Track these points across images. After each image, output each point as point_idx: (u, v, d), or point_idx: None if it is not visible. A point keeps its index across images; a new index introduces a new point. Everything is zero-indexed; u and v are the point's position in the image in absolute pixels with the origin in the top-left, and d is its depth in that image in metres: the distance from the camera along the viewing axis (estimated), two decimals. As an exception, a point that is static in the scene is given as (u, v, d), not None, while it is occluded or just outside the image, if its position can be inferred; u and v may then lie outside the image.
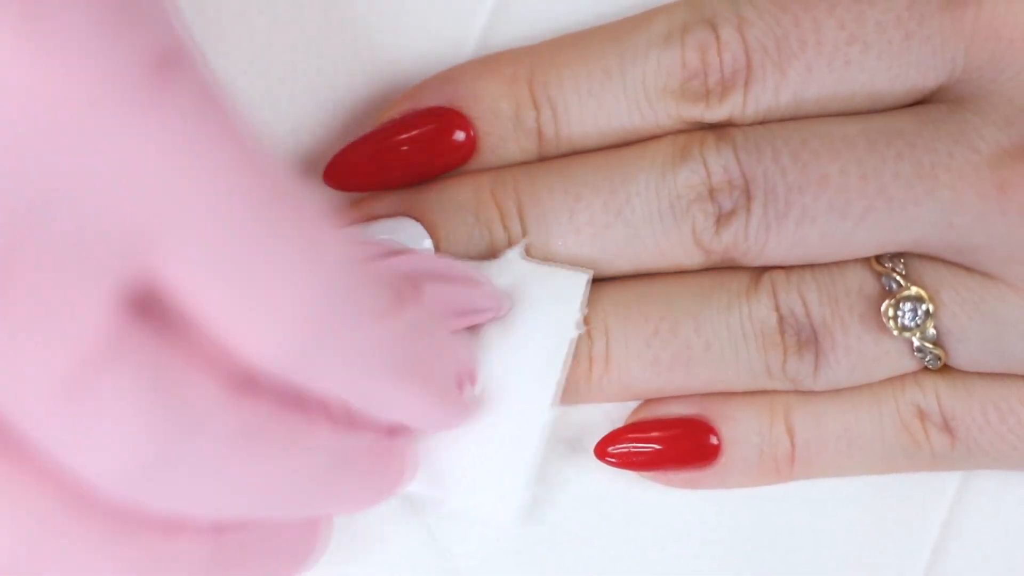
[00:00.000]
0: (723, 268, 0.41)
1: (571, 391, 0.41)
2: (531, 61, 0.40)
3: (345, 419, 0.34)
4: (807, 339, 0.40)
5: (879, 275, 0.40)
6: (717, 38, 0.39)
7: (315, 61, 0.41)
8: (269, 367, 0.31)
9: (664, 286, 0.41)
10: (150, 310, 0.29)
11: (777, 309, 0.40)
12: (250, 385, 0.31)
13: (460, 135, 0.40)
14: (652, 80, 0.40)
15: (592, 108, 0.40)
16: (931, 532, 0.43)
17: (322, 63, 0.41)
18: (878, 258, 0.40)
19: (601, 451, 0.41)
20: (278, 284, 0.29)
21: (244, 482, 0.32)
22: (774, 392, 0.41)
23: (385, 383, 0.33)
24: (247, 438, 0.31)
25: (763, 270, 0.41)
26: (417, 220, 0.40)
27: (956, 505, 0.43)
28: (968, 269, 0.40)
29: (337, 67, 0.41)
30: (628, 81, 0.40)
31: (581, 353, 0.40)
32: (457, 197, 0.40)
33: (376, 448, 0.36)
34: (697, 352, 0.40)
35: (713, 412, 0.41)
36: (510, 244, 0.40)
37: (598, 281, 0.42)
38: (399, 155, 0.40)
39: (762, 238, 0.39)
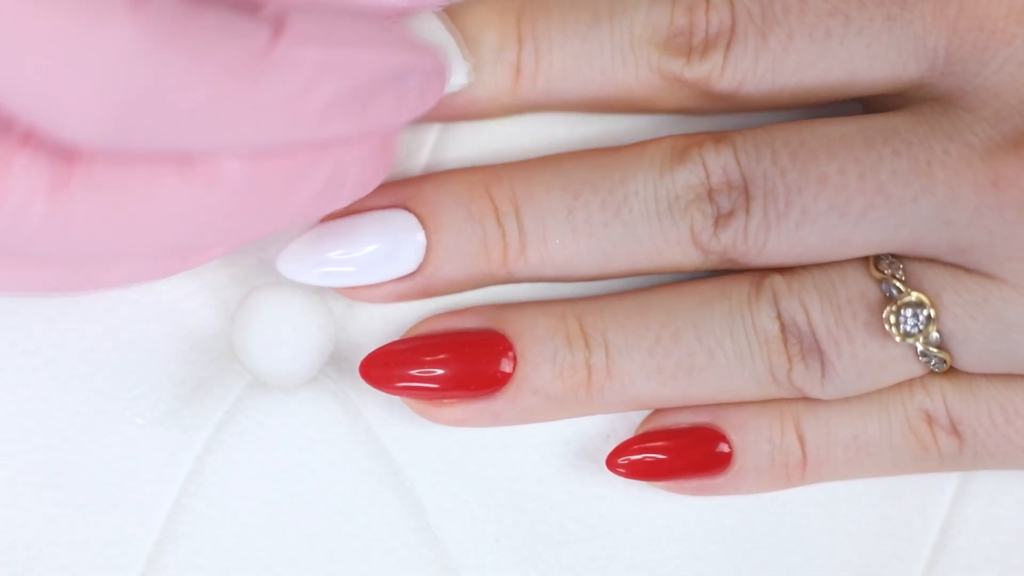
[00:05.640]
0: (723, 276, 0.41)
1: (570, 402, 0.41)
2: None
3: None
4: (810, 347, 0.40)
5: (879, 282, 0.40)
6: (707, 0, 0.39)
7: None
8: (93, 146, 0.32)
9: (663, 296, 0.41)
10: None
11: (779, 318, 0.40)
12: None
13: None
14: (640, 30, 0.40)
15: (575, 49, 0.40)
16: (931, 532, 0.43)
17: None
18: (877, 265, 0.40)
19: (612, 462, 0.41)
20: (70, 72, 0.30)
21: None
22: (784, 400, 0.41)
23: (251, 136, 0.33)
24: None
25: (763, 276, 0.41)
26: (410, 212, 0.40)
27: (956, 505, 0.44)
28: (969, 270, 0.40)
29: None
30: (616, 27, 0.40)
31: (578, 363, 0.40)
32: (451, 191, 0.40)
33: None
34: (701, 360, 0.40)
35: (723, 420, 0.41)
36: (504, 241, 0.40)
37: (594, 295, 0.42)
38: None
39: (761, 238, 0.39)
